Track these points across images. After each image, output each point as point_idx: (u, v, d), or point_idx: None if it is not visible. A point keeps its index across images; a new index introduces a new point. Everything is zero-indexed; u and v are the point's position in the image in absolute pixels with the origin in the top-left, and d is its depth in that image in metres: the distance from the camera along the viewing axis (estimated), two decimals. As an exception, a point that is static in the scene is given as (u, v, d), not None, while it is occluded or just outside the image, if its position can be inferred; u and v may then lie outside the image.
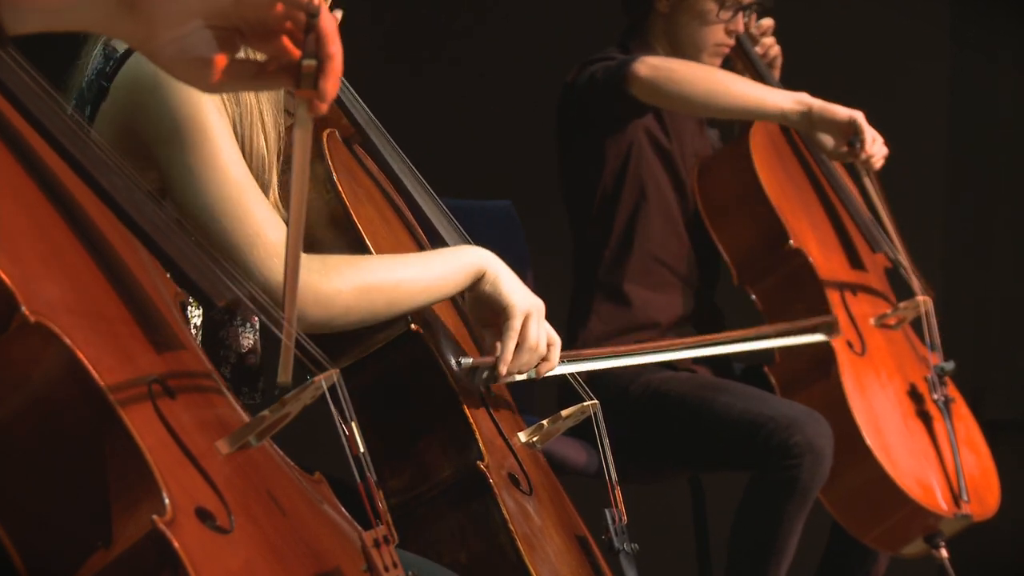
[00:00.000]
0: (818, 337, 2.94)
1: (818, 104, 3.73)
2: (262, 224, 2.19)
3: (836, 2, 5.35)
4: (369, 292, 2.27)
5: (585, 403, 2.64)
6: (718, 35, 3.92)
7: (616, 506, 2.62)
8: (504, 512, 2.38)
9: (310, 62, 1.47)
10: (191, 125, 2.17)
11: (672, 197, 3.97)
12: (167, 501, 1.51)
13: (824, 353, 3.81)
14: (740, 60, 4.05)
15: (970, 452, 3.95)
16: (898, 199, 4.06)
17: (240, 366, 2.42)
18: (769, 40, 4.11)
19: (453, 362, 2.47)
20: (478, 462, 2.41)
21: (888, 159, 3.82)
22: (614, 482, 2.63)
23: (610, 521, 2.59)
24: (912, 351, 4.01)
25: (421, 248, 2.64)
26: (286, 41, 1.48)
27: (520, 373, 2.51)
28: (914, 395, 3.92)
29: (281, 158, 2.38)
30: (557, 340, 2.54)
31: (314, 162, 2.44)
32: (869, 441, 3.72)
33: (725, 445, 3.71)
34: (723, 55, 3.98)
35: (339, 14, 2.45)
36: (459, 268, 2.41)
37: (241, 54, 1.50)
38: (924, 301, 3.98)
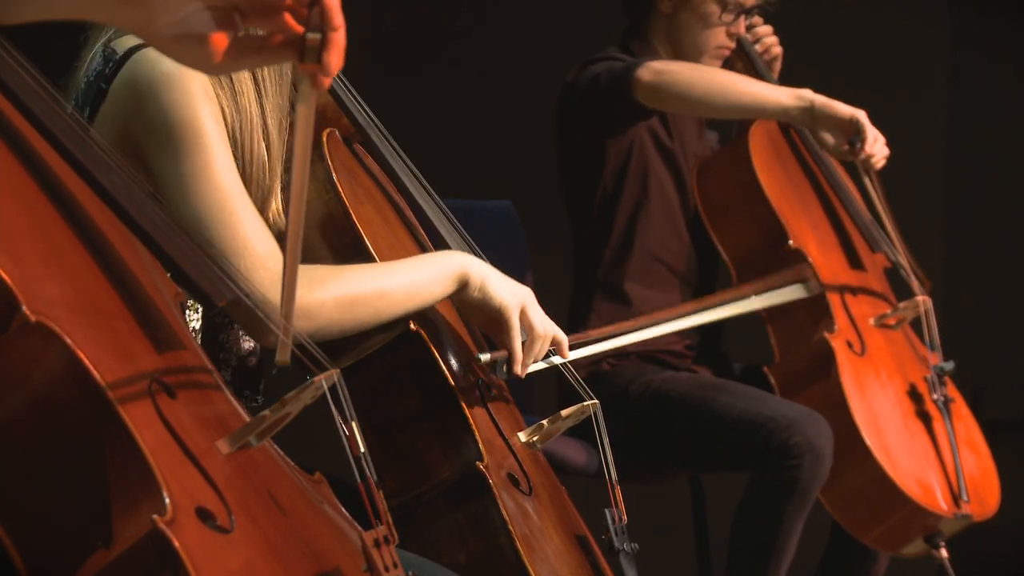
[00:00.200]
0: (798, 289, 2.93)
1: (820, 100, 3.72)
2: (251, 235, 2.18)
3: (836, 2, 5.35)
4: (353, 303, 2.27)
5: (585, 403, 2.64)
6: (720, 37, 3.93)
7: (616, 506, 2.62)
8: (503, 513, 2.38)
9: (314, 35, 1.46)
10: (186, 131, 2.17)
11: (673, 196, 3.97)
12: (167, 501, 1.51)
13: (824, 353, 3.81)
14: (741, 61, 4.05)
15: (970, 452, 3.95)
16: (898, 199, 4.06)
17: (241, 369, 2.42)
18: (771, 39, 4.11)
19: (455, 361, 2.46)
20: (477, 462, 2.41)
21: (888, 159, 3.82)
22: (614, 482, 2.63)
23: (610, 521, 2.59)
24: (912, 351, 4.01)
25: (422, 248, 2.64)
26: (287, 17, 1.48)
27: (537, 362, 2.52)
28: (914, 395, 3.92)
29: (284, 159, 2.38)
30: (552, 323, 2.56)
31: (314, 162, 2.43)
32: (869, 441, 3.72)
33: (725, 445, 3.71)
34: (724, 57, 3.98)
35: None
36: (443, 274, 2.40)
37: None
38: (924, 301, 3.98)
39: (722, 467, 3.91)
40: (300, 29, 1.46)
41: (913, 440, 3.85)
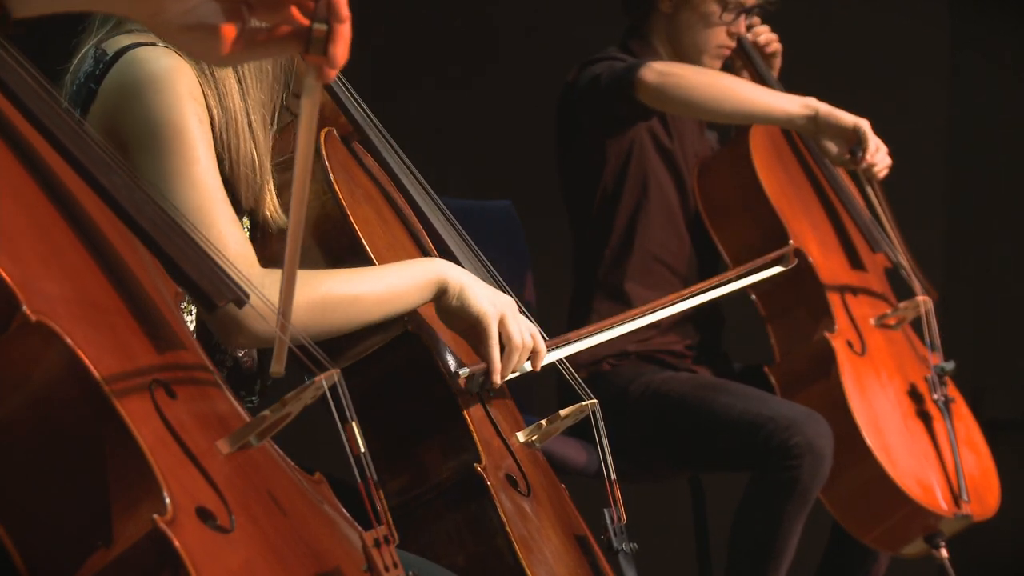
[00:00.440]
0: (777, 269, 2.93)
1: (825, 109, 3.72)
2: (225, 236, 2.18)
3: (836, 2, 5.35)
4: (325, 307, 2.26)
5: (584, 403, 2.64)
6: (720, 37, 3.93)
7: (615, 506, 2.62)
8: (501, 514, 2.38)
9: (321, 26, 1.47)
10: (170, 131, 2.18)
11: (673, 196, 3.97)
12: (168, 500, 1.51)
13: (824, 353, 3.81)
14: (740, 60, 4.05)
15: (970, 452, 3.95)
16: (898, 199, 4.06)
17: (236, 369, 2.42)
18: (771, 36, 4.11)
19: (452, 363, 2.46)
20: (475, 464, 2.41)
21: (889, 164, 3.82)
22: (613, 482, 2.63)
23: (609, 521, 2.59)
24: (912, 351, 4.01)
25: (421, 247, 2.63)
26: (294, 10, 1.48)
27: (515, 372, 2.50)
28: (914, 395, 3.92)
29: (274, 158, 2.38)
30: (535, 328, 2.52)
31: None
32: (869, 441, 3.72)
33: (725, 445, 3.71)
34: (724, 57, 3.98)
35: None
36: (419, 281, 2.37)
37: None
38: (924, 301, 3.98)
39: (722, 467, 3.91)
40: (306, 21, 1.47)
41: (913, 440, 3.85)
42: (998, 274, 5.50)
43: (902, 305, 4.01)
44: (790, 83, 4.05)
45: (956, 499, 3.79)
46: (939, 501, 3.77)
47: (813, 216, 4.04)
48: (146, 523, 1.49)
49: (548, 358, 2.57)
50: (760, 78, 4.01)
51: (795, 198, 4.01)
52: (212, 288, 1.75)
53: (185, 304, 2.21)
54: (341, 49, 1.48)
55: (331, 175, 2.44)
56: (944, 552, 3.78)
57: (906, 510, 3.74)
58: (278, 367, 1.67)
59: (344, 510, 1.88)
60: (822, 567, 4.02)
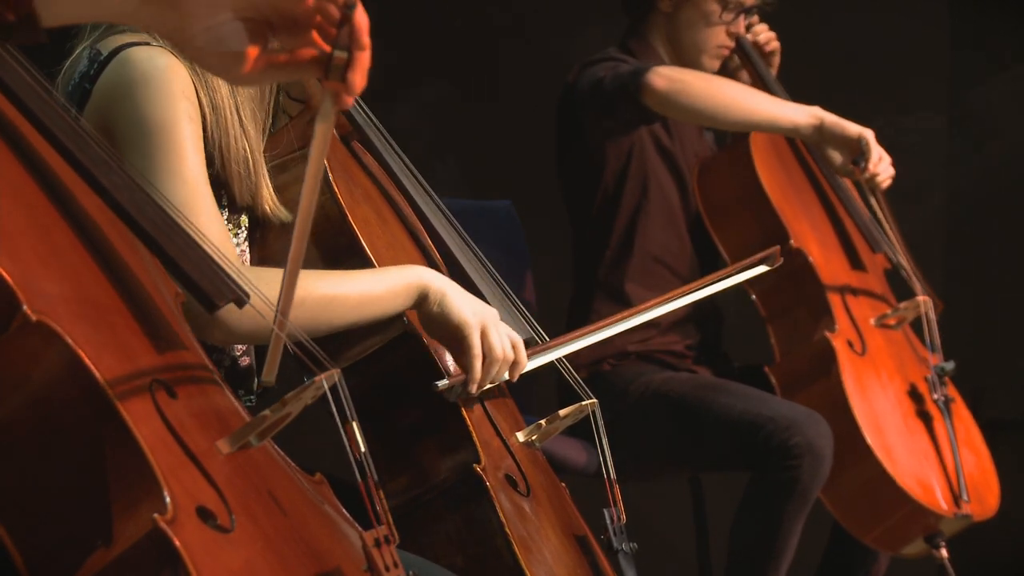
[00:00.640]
0: (762, 269, 2.92)
1: (830, 119, 3.73)
2: (207, 232, 2.18)
3: (836, 2, 5.35)
4: (302, 305, 2.24)
5: (584, 402, 2.64)
6: (720, 37, 3.93)
7: (615, 506, 2.62)
8: (500, 515, 2.37)
9: (341, 54, 1.48)
10: (160, 129, 2.18)
11: (674, 197, 3.97)
12: (168, 500, 1.51)
13: (825, 352, 3.81)
14: (739, 60, 4.05)
15: (970, 452, 3.95)
16: (898, 199, 4.06)
17: (234, 369, 2.42)
18: (769, 35, 4.11)
19: (451, 364, 2.46)
20: (475, 464, 2.41)
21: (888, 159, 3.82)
22: (613, 481, 2.63)
23: (609, 521, 2.59)
24: (912, 351, 4.02)
25: (421, 247, 2.63)
26: (316, 35, 1.49)
27: (494, 383, 2.47)
28: (914, 395, 3.92)
29: (270, 158, 2.39)
30: (519, 339, 2.50)
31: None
32: (870, 440, 3.72)
33: (725, 445, 3.71)
34: (724, 56, 3.98)
35: None
36: (399, 286, 2.36)
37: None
38: (924, 301, 3.98)
39: (722, 467, 3.91)
40: (328, 47, 1.48)
41: (913, 440, 3.85)
42: (998, 274, 5.49)
43: (902, 305, 4.01)
44: (789, 83, 4.05)
45: (956, 499, 3.80)
46: (939, 501, 3.77)
47: (813, 216, 4.04)
48: (146, 523, 1.49)
49: (527, 367, 2.54)
50: (759, 78, 4.01)
51: (795, 198, 4.01)
52: (212, 288, 1.75)
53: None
54: (360, 77, 1.49)
55: (330, 175, 2.44)
56: (944, 552, 3.78)
57: (906, 510, 3.74)
58: (269, 376, 1.67)
59: (344, 510, 1.88)
60: (822, 567, 4.02)
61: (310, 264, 2.39)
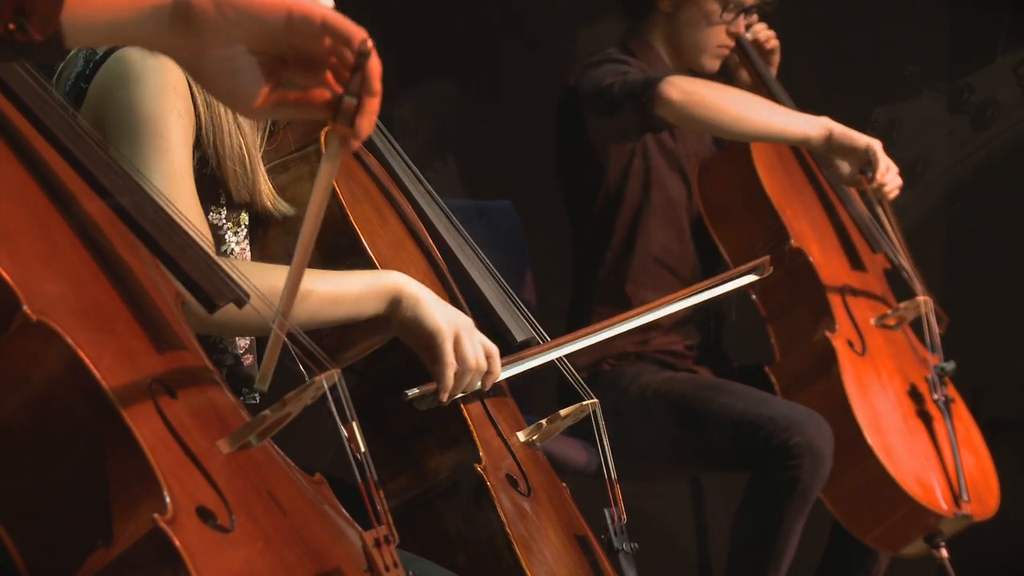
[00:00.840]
0: (751, 278, 2.92)
1: (839, 130, 3.73)
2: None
3: (836, 2, 5.35)
4: (273, 296, 2.24)
5: (584, 402, 2.64)
6: (720, 36, 3.93)
7: (616, 505, 2.62)
8: (501, 514, 2.38)
9: (351, 100, 1.49)
10: (150, 124, 2.20)
11: (676, 198, 3.97)
12: (168, 500, 1.51)
13: (825, 352, 3.81)
14: (739, 59, 4.05)
15: (970, 453, 3.95)
16: (898, 199, 4.06)
17: (237, 367, 2.42)
18: (768, 33, 4.11)
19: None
20: (475, 464, 2.41)
21: (889, 161, 3.82)
22: (614, 481, 2.63)
23: (609, 521, 2.59)
24: (912, 351, 4.02)
25: (421, 247, 2.64)
26: (329, 76, 1.50)
27: (466, 393, 2.45)
28: (914, 395, 3.92)
29: (269, 160, 2.39)
30: (495, 350, 2.47)
31: (312, 162, 2.44)
32: (870, 440, 3.72)
33: (725, 445, 3.71)
34: (723, 56, 3.98)
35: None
36: (372, 289, 2.35)
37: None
38: (924, 302, 3.98)
39: (722, 467, 3.91)
40: (339, 89, 1.48)
41: (914, 440, 3.85)
42: (998, 274, 5.49)
43: (902, 305, 4.01)
44: (788, 82, 4.05)
45: (956, 499, 3.80)
46: (939, 501, 3.77)
47: (813, 216, 4.04)
48: (146, 523, 1.49)
49: (501, 376, 2.51)
50: (759, 77, 4.01)
51: (796, 198, 4.01)
52: (212, 288, 1.75)
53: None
54: (368, 123, 1.51)
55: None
56: (944, 552, 3.78)
57: (906, 510, 3.74)
58: (263, 384, 1.68)
59: (344, 510, 1.88)
60: (822, 567, 4.02)
61: (310, 263, 2.38)
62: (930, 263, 4.51)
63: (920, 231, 4.78)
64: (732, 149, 3.99)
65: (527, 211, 4.13)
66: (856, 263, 4.07)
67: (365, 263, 2.42)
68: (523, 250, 4.04)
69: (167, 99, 2.21)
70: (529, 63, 5.07)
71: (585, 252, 4.01)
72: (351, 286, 2.33)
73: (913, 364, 3.98)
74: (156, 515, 1.49)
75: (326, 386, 1.74)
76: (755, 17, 4.08)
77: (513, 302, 2.74)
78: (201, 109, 2.26)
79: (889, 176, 3.78)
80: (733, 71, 4.07)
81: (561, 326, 3.63)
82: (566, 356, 2.74)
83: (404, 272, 2.41)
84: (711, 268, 4.00)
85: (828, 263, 3.95)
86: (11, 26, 1.32)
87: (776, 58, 4.13)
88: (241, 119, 2.31)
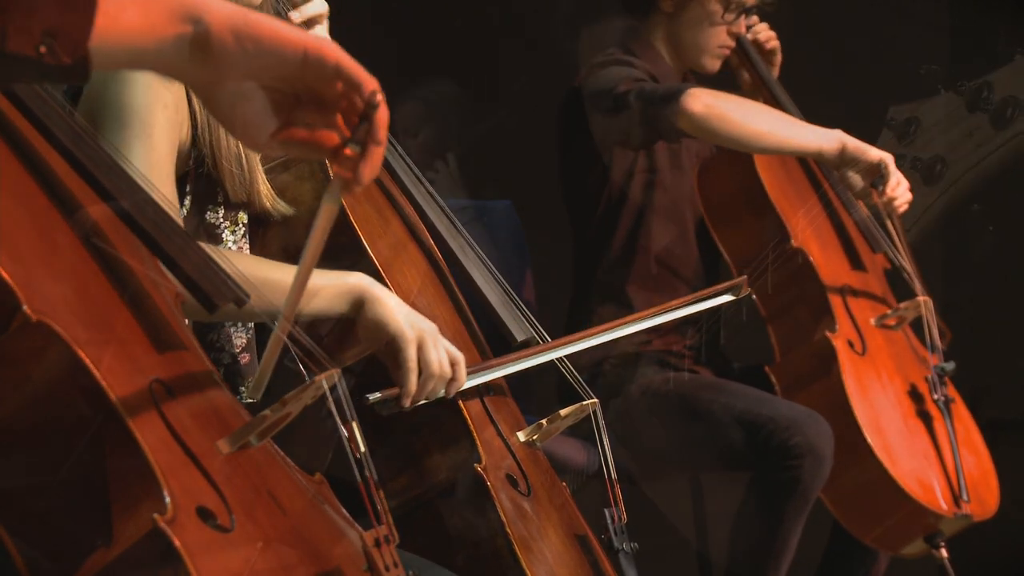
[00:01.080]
0: (727, 298, 2.91)
1: (852, 144, 3.73)
2: None
3: (835, 3, 5.35)
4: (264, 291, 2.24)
5: (584, 402, 2.64)
6: (721, 37, 3.92)
7: (616, 505, 2.62)
8: (501, 514, 2.38)
9: (355, 148, 1.50)
10: (135, 118, 2.20)
11: (680, 198, 3.97)
12: (168, 500, 1.51)
13: (825, 352, 3.81)
14: (739, 59, 4.05)
15: (970, 453, 3.95)
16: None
17: (234, 366, 2.42)
18: (769, 33, 4.10)
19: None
20: (476, 464, 2.41)
21: (891, 163, 3.82)
22: (614, 481, 2.63)
23: (609, 521, 2.59)
24: (912, 352, 4.01)
25: (422, 247, 2.63)
26: (339, 119, 1.51)
27: (429, 399, 2.42)
28: (914, 395, 3.92)
29: (267, 160, 2.39)
30: (460, 357, 2.44)
31: (312, 162, 2.44)
32: (870, 440, 3.72)
33: (725, 445, 3.71)
34: (724, 56, 3.97)
35: (324, 7, 2.45)
36: (337, 288, 2.33)
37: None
38: (924, 302, 3.98)
39: (722, 467, 3.90)
40: (348, 132, 1.50)
41: (914, 440, 3.85)
42: (998, 274, 5.49)
43: (902, 305, 4.01)
44: (788, 82, 4.05)
45: (956, 499, 3.80)
46: (939, 501, 3.77)
47: (813, 216, 4.03)
48: (146, 522, 1.49)
49: (465, 384, 2.47)
50: (760, 78, 4.01)
51: (796, 198, 4.01)
52: (212, 288, 1.76)
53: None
54: (370, 172, 1.52)
55: (331, 173, 2.43)
56: (944, 552, 3.78)
57: (907, 510, 3.74)
58: (256, 393, 1.68)
59: (344, 510, 1.88)
60: (822, 567, 4.02)
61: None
62: (931, 263, 4.51)
63: (933, 233, 4.77)
64: (732, 149, 3.99)
65: (527, 211, 4.13)
66: (856, 263, 4.06)
67: (365, 263, 2.42)
68: (523, 250, 4.04)
69: (154, 91, 2.22)
70: (529, 63, 5.06)
71: (586, 252, 4.00)
72: (315, 282, 2.32)
73: (913, 364, 3.98)
74: (156, 515, 1.49)
75: (326, 386, 1.74)
76: (756, 17, 4.08)
77: (513, 302, 2.74)
78: (197, 108, 2.26)
79: (900, 190, 3.78)
80: (734, 71, 4.07)
81: (561, 326, 3.63)
82: (566, 356, 2.74)
83: (405, 272, 2.41)
84: (713, 269, 4.00)
85: (828, 263, 3.95)
86: (42, 48, 1.33)
87: (777, 58, 4.13)
88: None
